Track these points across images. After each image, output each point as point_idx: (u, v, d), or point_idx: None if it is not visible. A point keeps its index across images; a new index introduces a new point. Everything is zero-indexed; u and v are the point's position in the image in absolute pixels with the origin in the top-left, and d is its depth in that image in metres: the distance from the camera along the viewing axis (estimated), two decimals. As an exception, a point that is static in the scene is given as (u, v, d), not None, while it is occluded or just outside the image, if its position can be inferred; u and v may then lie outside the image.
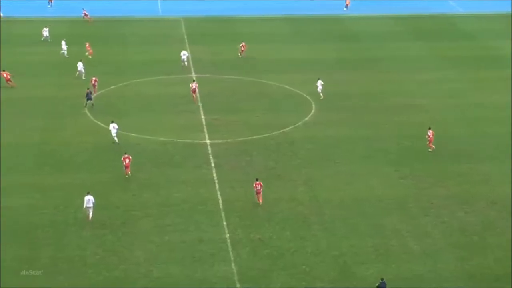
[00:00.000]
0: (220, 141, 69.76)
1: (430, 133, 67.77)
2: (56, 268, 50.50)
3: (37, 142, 69.27)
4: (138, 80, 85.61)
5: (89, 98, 76.84)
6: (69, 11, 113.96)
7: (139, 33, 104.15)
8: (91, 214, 56.16)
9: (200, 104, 78.53)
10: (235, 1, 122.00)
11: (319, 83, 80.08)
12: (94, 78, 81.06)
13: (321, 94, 79.80)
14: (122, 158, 63.16)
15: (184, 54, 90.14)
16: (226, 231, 54.93)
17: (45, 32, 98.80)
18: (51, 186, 61.19)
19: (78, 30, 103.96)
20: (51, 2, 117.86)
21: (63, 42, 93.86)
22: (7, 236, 53.93)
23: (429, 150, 67.68)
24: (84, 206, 56.20)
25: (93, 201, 56.21)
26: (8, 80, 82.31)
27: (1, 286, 48.48)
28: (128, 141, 69.37)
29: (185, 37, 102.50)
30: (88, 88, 78.09)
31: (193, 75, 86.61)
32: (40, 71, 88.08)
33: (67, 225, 55.61)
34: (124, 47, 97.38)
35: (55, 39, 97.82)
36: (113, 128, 69.01)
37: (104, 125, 72.17)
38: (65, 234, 54.53)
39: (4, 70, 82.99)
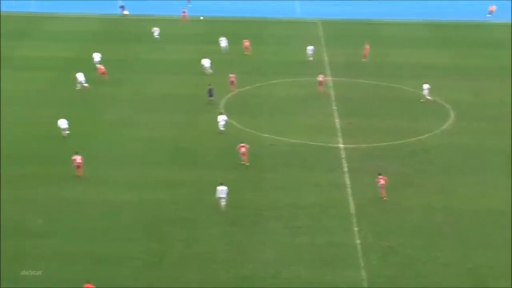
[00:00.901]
0: (353, 145, 68.91)
1: None
2: (186, 263, 50.82)
3: (172, 138, 70.11)
4: (273, 81, 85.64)
5: (211, 95, 77.48)
6: (207, 10, 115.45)
7: (276, 34, 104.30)
8: (223, 203, 56.73)
9: (334, 107, 77.86)
10: (375, 4, 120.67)
11: (426, 87, 78.78)
12: (232, 75, 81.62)
13: (428, 97, 78.41)
14: (237, 147, 63.80)
15: (311, 49, 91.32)
16: (357, 237, 54.06)
17: (156, 31, 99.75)
18: (183, 182, 61.75)
19: (215, 29, 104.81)
20: (190, 1, 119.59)
21: (223, 39, 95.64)
22: (138, 230, 54.73)
23: None
24: (217, 196, 56.73)
25: (227, 191, 56.63)
26: (103, 73, 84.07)
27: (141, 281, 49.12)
28: (261, 142, 69.39)
29: (322, 39, 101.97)
30: (209, 85, 78.78)
31: (329, 78, 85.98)
32: (173, 69, 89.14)
33: (197, 222, 55.96)
34: (261, 47, 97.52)
35: (192, 38, 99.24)
36: (222, 120, 70.17)
37: (238, 125, 72.53)
38: (195, 230, 54.88)
39: (100, 64, 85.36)
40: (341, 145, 69.01)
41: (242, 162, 64.45)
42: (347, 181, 62.26)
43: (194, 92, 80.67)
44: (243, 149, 64.45)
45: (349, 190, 60.72)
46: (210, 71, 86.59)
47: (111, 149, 67.74)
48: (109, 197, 59.14)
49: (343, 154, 67.23)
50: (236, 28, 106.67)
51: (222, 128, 70.74)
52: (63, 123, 69.63)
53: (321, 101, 79.36)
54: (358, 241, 53.47)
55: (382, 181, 59.03)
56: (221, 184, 57.41)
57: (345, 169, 64.36)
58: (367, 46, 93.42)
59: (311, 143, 69.35)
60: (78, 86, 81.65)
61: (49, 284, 48.30)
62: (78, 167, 61.99)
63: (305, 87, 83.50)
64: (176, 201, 58.77)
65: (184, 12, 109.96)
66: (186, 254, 51.88)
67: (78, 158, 61.97)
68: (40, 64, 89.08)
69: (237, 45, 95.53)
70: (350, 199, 59.40)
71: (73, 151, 63.24)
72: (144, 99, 79.51)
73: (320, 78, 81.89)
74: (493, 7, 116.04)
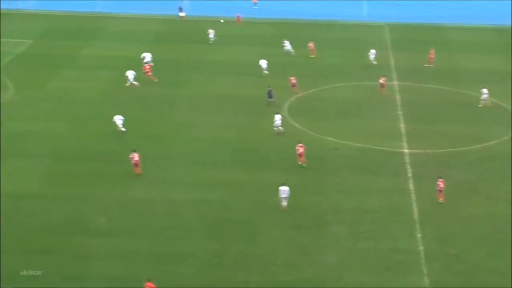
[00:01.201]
0: (418, 151, 68.09)
1: None
2: (245, 264, 50.76)
3: (233, 139, 70.12)
4: (338, 84, 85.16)
5: (270, 96, 77.60)
6: (273, 13, 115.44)
7: (342, 37, 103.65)
8: (285, 204, 56.80)
9: (400, 112, 77.10)
10: (443, 8, 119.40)
11: (485, 91, 78.09)
12: (293, 78, 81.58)
13: (485, 102, 77.79)
14: (296, 147, 63.79)
15: (373, 53, 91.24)
16: (420, 243, 53.36)
17: (211, 34, 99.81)
18: (245, 183, 61.72)
19: (282, 31, 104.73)
20: (256, 3, 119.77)
21: (286, 42, 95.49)
22: (200, 229, 54.84)
23: None
24: (280, 196, 56.77)
25: (288, 192, 56.63)
26: (147, 72, 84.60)
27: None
28: (325, 145, 69.05)
29: (389, 43, 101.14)
30: (269, 86, 78.79)
31: (395, 83, 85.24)
32: (234, 70, 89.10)
33: (258, 223, 55.85)
34: (327, 50, 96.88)
35: (255, 39, 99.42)
36: (278, 119, 70.56)
37: (301, 127, 72.30)
38: (256, 231, 54.79)
39: (147, 63, 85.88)
40: (405, 150, 68.26)
41: (300, 163, 64.32)
42: (411, 186, 61.53)
43: (254, 94, 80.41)
44: (300, 150, 64.42)
45: (413, 196, 60.00)
46: (266, 72, 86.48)
47: (173, 148, 68.00)
48: (171, 196, 59.38)
49: (407, 159, 66.50)
50: (301, 30, 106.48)
51: (279, 128, 70.76)
52: (118, 119, 70.56)
53: (386, 105, 78.70)
54: (421, 248, 52.80)
55: (441, 185, 58.46)
56: (283, 184, 57.38)
57: (409, 174, 63.62)
58: (432, 51, 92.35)
59: (376, 147, 68.72)
60: (128, 83, 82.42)
61: (111, 282, 48.64)
62: (136, 165, 62.53)
63: (370, 91, 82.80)
64: (238, 202, 58.76)
65: (238, 15, 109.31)
66: (247, 255, 51.81)
67: (135, 156, 62.48)
68: (103, 64, 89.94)
69: (302, 48, 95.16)
70: (414, 205, 58.68)
71: (138, 150, 63.65)
72: (205, 99, 79.60)
73: (382, 80, 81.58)
74: None
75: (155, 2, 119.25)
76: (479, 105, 78.25)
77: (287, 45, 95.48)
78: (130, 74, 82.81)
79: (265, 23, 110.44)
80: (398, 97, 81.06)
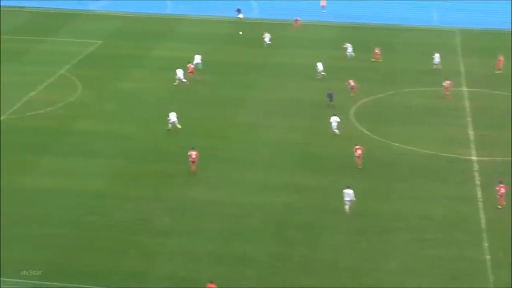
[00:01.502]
0: (487, 158, 67.07)
1: None
2: (310, 269, 50.56)
3: (299, 142, 69.96)
4: (406, 89, 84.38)
5: (331, 99, 77.72)
6: (340, 16, 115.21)
7: (410, 42, 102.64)
8: (347, 207, 56.84)
9: (469, 118, 76.09)
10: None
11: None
12: (351, 80, 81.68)
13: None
14: (354, 149, 64.04)
15: (438, 57, 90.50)
16: (487, 252, 52.54)
17: (267, 37, 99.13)
18: (310, 187, 61.51)
19: (349, 35, 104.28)
20: (324, 6, 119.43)
21: (348, 45, 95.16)
22: (264, 232, 54.83)
23: None
24: (344, 199, 56.90)
25: (352, 195, 56.62)
26: (191, 72, 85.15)
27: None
28: (391, 151, 68.50)
29: (459, 48, 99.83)
30: (329, 89, 78.82)
31: (464, 89, 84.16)
32: (298, 73, 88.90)
33: (322, 228, 55.62)
34: (393, 55, 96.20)
35: (319, 43, 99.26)
36: (334, 121, 70.66)
37: (368, 132, 71.84)
38: (320, 236, 54.56)
39: (189, 62, 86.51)
40: (474, 158, 67.30)
41: (358, 166, 64.45)
42: (479, 194, 60.64)
43: (318, 97, 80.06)
44: (358, 152, 64.49)
45: (480, 204, 59.12)
46: (323, 73, 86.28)
47: (239, 151, 68.14)
48: (236, 198, 59.48)
49: (475, 166, 65.54)
50: (370, 34, 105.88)
51: (335, 130, 70.79)
52: (173, 116, 71.42)
53: (455, 111, 77.74)
54: (487, 257, 51.99)
55: (502, 190, 57.93)
56: (348, 187, 57.32)
57: (477, 182, 62.70)
58: (501, 57, 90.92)
59: (443, 154, 67.88)
60: (176, 82, 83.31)
61: (174, 282, 48.91)
62: (192, 162, 63.21)
63: (439, 97, 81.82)
64: (303, 205, 58.58)
65: (297, 19, 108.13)
66: (310, 259, 51.63)
67: (193, 154, 63.27)
68: (172, 65, 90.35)
69: (368, 52, 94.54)
70: (481, 213, 57.83)
71: (203, 151, 64.06)
72: (270, 102, 79.49)
73: (446, 84, 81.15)
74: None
75: (225, 3, 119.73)
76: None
77: (349, 49, 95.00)
78: (180, 72, 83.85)
79: (333, 26, 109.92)
80: (467, 103, 79.99)
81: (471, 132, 72.69)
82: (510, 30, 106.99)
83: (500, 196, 58.02)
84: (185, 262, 51.00)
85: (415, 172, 64.52)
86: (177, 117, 71.59)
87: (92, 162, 65.22)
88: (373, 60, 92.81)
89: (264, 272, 50.24)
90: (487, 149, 68.76)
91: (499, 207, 57.96)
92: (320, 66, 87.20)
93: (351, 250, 52.80)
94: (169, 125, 71.50)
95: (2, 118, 73.82)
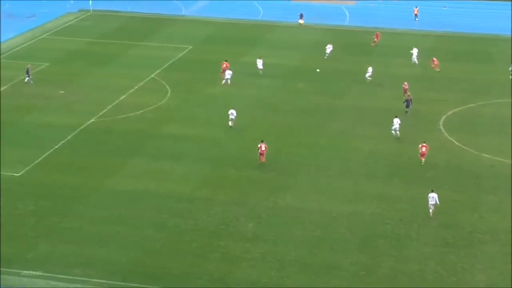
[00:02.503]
0: None
1: None
2: (395, 280, 50.02)
3: (391, 153, 69.31)
4: (499, 100, 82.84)
5: (407, 106, 77.41)
6: (435, 25, 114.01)
7: (506, 52, 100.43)
8: (432, 210, 57.04)
9: (560, 130, 74.41)
10: None
11: None
12: (406, 83, 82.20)
13: None
14: (420, 146, 65.73)
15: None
16: None
17: (329, 49, 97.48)
18: (398, 197, 60.89)
19: (444, 45, 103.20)
20: (417, 17, 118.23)
21: (414, 50, 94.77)
22: (350, 242, 54.50)
23: None
24: (429, 203, 57.27)
25: (436, 199, 56.96)
26: (225, 69, 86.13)
27: None
28: (481, 162, 67.35)
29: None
30: (409, 95, 78.72)
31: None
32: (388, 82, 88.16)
33: (409, 239, 55.00)
34: (488, 65, 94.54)
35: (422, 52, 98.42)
36: (396, 123, 71.78)
37: (458, 143, 70.79)
38: (407, 247, 53.94)
39: (226, 60, 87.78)
40: None
41: (422, 161, 66.21)
42: None
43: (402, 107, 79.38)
44: (423, 149, 65.99)
45: None
46: (370, 78, 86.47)
47: (327, 158, 67.89)
48: (323, 207, 59.25)
49: None
50: (466, 44, 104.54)
51: (396, 132, 71.64)
52: (231, 114, 73.41)
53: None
54: None
55: None
56: (432, 191, 57.36)
57: None
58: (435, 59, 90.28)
59: (535, 167, 66.50)
60: (223, 82, 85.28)
61: (256, 288, 49.17)
62: (261, 154, 65.48)
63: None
64: (391, 216, 58.01)
65: (377, 33, 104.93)
66: (396, 271, 51.08)
67: (262, 146, 65.57)
68: (265, 71, 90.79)
69: (465, 64, 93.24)
70: None
71: (292, 157, 64.91)
72: (361, 111, 78.98)
73: None
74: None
75: (319, 11, 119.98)
76: None
77: (414, 54, 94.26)
78: (228, 74, 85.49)
79: (428, 35, 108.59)
80: (560, 115, 78.21)
81: None
82: None
83: None
84: (269, 269, 50.98)
85: (504, 184, 63.29)
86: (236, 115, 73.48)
87: (179, 165, 65.88)
88: (434, 69, 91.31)
89: (349, 281, 49.90)
90: None
91: None
92: (370, 70, 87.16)
93: (437, 262, 52.04)
94: (230, 122, 72.99)
95: (92, 120, 75.21)
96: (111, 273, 50.13)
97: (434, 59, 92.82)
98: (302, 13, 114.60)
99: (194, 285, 49.14)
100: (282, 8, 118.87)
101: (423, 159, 66.39)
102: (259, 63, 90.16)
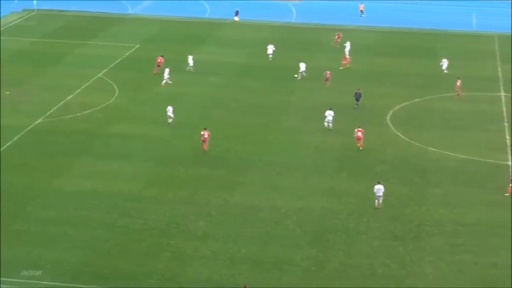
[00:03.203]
0: (524, 164, 66.67)
1: None
2: (345, 274, 50.47)
3: (339, 148, 69.83)
4: (444, 94, 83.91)
5: (357, 99, 78.47)
6: (380, 21, 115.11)
7: (449, 47, 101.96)
8: (378, 202, 58.06)
9: (506, 123, 75.53)
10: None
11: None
12: (328, 72, 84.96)
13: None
14: (355, 130, 67.55)
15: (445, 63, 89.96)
16: (522, 259, 52.25)
17: (270, 49, 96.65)
18: (347, 192, 61.44)
19: (390, 41, 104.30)
20: (363, 13, 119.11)
21: (347, 44, 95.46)
22: (301, 237, 54.81)
23: None
24: (375, 194, 58.18)
25: (383, 190, 57.78)
26: (159, 64, 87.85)
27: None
28: (427, 156, 68.20)
29: (497, 54, 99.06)
30: (358, 89, 79.26)
31: (503, 94, 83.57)
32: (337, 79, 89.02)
33: (358, 233, 55.52)
34: (433, 60, 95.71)
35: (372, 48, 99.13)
36: (329, 115, 72.85)
37: (404, 137, 71.57)
38: (356, 241, 54.45)
39: (162, 56, 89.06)
40: (510, 163, 66.78)
41: (359, 146, 68.30)
42: (514, 200, 60.33)
43: (349, 101, 79.99)
44: (359, 134, 68.23)
45: (516, 210, 58.82)
46: (304, 74, 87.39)
47: (279, 155, 68.14)
48: (273, 203, 59.49)
49: (512, 172, 65.22)
50: (407, 39, 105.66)
51: (329, 124, 73.03)
52: (169, 111, 73.77)
53: (492, 117, 77.21)
54: (522, 263, 51.69)
55: None
56: (378, 183, 58.23)
57: (513, 188, 62.33)
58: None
59: (479, 159, 67.46)
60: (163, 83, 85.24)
61: (208, 286, 49.03)
62: (204, 141, 67.41)
63: (478, 102, 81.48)
64: (340, 211, 58.50)
65: (338, 34, 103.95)
66: (346, 265, 51.54)
67: (205, 134, 67.52)
68: (211, 69, 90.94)
69: (412, 59, 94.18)
70: (517, 219, 57.51)
71: (242, 155, 64.68)
72: (311, 107, 79.31)
73: (458, 83, 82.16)
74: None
75: (266, 8, 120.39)
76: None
77: (347, 48, 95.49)
78: (166, 73, 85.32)
79: (374, 31, 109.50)
80: (504, 108, 79.40)
81: (508, 137, 72.15)
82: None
83: None
84: (220, 266, 51.10)
85: (450, 178, 64.23)
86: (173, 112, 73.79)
87: (127, 164, 65.68)
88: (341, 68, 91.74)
89: (300, 276, 50.21)
90: (525, 155, 68.39)
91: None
92: (302, 66, 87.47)
93: (386, 255, 52.58)
94: (169, 119, 73.40)
95: (39, 121, 74.61)
96: (60, 274, 49.80)
97: (347, 57, 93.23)
98: (238, 10, 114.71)
99: (145, 285, 49.03)
100: (229, 6, 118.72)
101: (359, 144, 68.23)
102: (190, 60, 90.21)
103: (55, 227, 55.53)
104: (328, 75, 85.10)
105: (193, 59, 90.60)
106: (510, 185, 60.70)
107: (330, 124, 72.70)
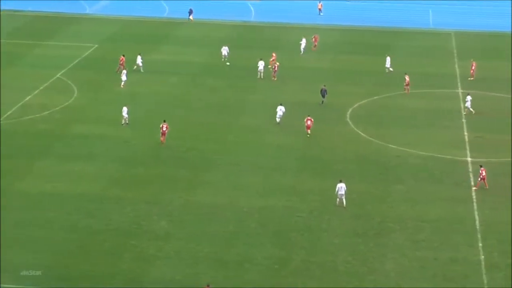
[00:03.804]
0: (482, 159, 67.34)
1: None
2: (308, 272, 50.76)
3: (300, 146, 70.20)
4: (402, 92, 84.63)
5: (323, 96, 79.63)
6: (337, 19, 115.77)
7: (406, 45, 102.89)
8: (341, 200, 58.51)
9: (463, 120, 76.47)
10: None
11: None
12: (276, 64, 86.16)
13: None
14: (305, 119, 68.68)
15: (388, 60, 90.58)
16: (481, 253, 52.84)
17: (224, 50, 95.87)
18: (309, 190, 61.78)
19: (348, 39, 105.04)
20: (321, 12, 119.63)
21: (303, 41, 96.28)
22: (263, 236, 55.02)
23: None
24: (337, 193, 58.60)
25: (345, 188, 58.23)
26: (122, 64, 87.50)
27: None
28: (388, 153, 68.85)
29: (455, 51, 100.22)
30: (324, 85, 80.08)
31: (460, 91, 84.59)
32: (303, 77, 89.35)
33: (320, 230, 55.88)
34: (391, 58, 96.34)
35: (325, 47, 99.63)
36: (279, 110, 74.34)
37: (364, 135, 72.17)
38: (318, 239, 54.80)
39: (123, 55, 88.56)
40: (469, 159, 67.67)
41: (308, 134, 71.09)
42: (474, 196, 60.99)
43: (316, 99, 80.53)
44: (308, 122, 71.29)
45: (475, 205, 59.48)
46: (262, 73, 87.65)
47: (241, 154, 68.38)
48: (235, 202, 59.68)
49: (471, 168, 65.90)
50: (365, 37, 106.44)
51: (279, 119, 74.56)
52: (124, 111, 73.80)
53: (450, 114, 78.14)
54: (482, 257, 52.30)
55: (483, 173, 61.19)
56: (340, 181, 58.59)
57: (472, 183, 63.02)
58: (473, 63, 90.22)
59: (439, 155, 68.27)
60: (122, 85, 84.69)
61: (171, 286, 49.08)
62: (162, 134, 68.84)
63: (436, 99, 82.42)
64: (302, 209, 58.81)
65: (315, 36, 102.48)
66: (308, 262, 51.83)
67: (164, 126, 68.94)
68: (170, 68, 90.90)
69: (367, 56, 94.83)
70: (476, 214, 58.17)
71: (204, 154, 65.47)
72: (272, 106, 79.34)
73: (407, 77, 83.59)
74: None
75: (225, 8, 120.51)
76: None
77: (302, 45, 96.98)
78: (124, 75, 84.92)
79: (333, 29, 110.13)
80: (462, 105, 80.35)
81: (466, 134, 73.09)
82: (510, 32, 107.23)
83: (483, 179, 61.35)
84: (183, 266, 51.15)
85: (411, 174, 64.89)
86: (128, 112, 73.73)
87: (88, 165, 65.43)
88: (269, 67, 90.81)
89: (263, 275, 50.41)
90: (482, 151, 69.16)
91: (476, 188, 61.24)
92: (261, 65, 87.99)
93: (349, 253, 52.98)
94: (123, 120, 73.42)
95: (-1, 122, 74.13)
96: (23, 277, 49.49)
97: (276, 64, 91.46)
98: (192, 8, 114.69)
99: (108, 285, 48.91)
100: (188, 5, 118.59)
101: (308, 131, 71.32)
102: (139, 60, 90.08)
103: (17, 230, 55.12)
104: (276, 67, 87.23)
105: (142, 58, 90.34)
106: (479, 179, 61.58)
107: (279, 119, 74.06)
